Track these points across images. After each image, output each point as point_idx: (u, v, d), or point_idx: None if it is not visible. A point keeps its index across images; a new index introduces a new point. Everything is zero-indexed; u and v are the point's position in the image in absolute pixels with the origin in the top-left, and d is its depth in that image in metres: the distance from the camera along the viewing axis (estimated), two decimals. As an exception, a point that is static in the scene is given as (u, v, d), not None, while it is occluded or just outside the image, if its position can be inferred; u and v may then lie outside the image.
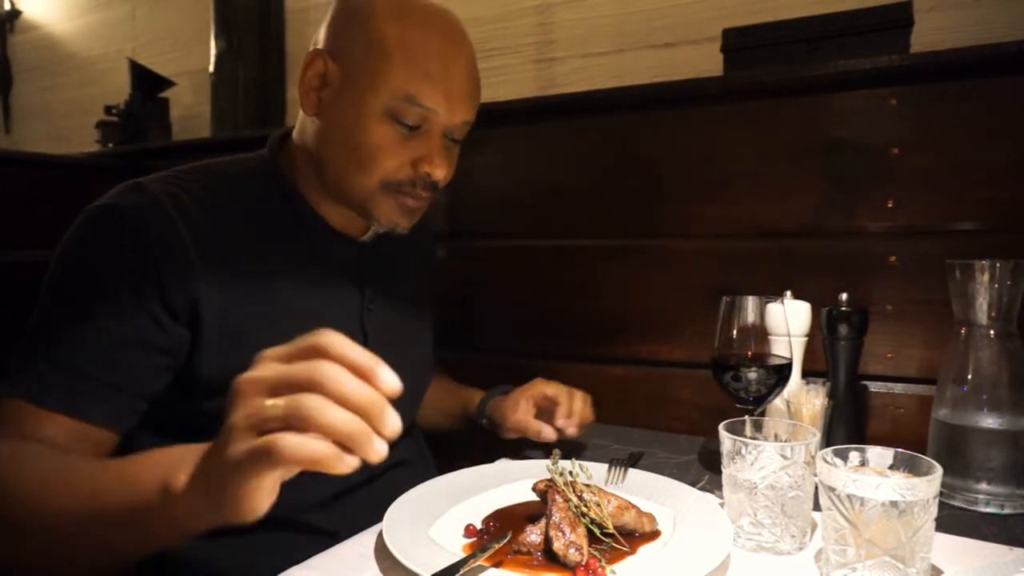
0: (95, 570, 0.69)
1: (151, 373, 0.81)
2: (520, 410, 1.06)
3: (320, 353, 0.52)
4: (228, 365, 0.77)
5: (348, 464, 0.50)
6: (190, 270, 0.80)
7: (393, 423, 0.51)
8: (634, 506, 0.80)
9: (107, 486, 0.64)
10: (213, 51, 2.39)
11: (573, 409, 1.05)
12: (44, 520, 0.66)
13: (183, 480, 0.57)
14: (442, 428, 1.25)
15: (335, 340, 0.53)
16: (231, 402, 0.53)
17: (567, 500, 0.76)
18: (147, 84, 2.49)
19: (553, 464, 0.82)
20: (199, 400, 0.84)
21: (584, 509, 0.76)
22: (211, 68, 2.40)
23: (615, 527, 0.76)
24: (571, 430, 1.03)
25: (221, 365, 0.81)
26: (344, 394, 0.50)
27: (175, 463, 0.59)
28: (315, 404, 0.49)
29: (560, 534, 0.71)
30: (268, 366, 0.53)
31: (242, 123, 2.36)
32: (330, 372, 0.50)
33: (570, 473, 0.81)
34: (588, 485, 0.80)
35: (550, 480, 0.81)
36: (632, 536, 0.78)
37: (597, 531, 0.75)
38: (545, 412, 1.08)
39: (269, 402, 0.50)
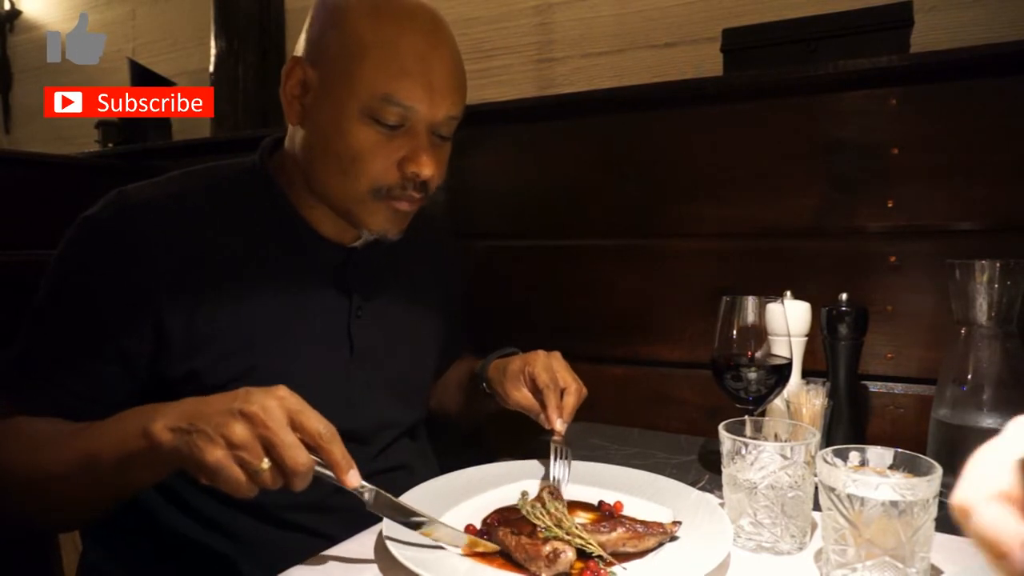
0: (89, 512, 0.83)
1: (113, 382, 0.85)
2: (521, 389, 0.98)
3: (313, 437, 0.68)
4: (193, 367, 0.85)
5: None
6: (155, 287, 0.83)
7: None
8: (637, 534, 0.75)
9: (96, 437, 0.74)
10: (213, 51, 2.39)
11: (564, 404, 0.96)
12: (38, 475, 0.76)
13: (159, 426, 0.67)
14: (461, 408, 1.18)
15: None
16: (238, 400, 0.66)
17: (516, 536, 0.72)
18: (147, 84, 2.48)
19: (524, 503, 0.80)
20: (171, 397, 0.85)
21: (564, 534, 0.73)
22: (211, 68, 2.40)
23: (615, 551, 0.73)
24: (556, 423, 0.93)
25: (186, 368, 0.85)
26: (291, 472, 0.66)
27: (154, 413, 0.69)
28: (274, 484, 0.66)
29: (538, 564, 0.69)
30: (278, 418, 0.66)
31: (242, 123, 2.36)
32: (300, 473, 0.66)
33: (541, 503, 0.78)
34: (552, 514, 0.76)
35: (537, 495, 0.80)
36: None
37: (576, 541, 0.72)
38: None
39: (250, 453, 0.64)
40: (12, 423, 0.81)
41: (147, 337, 0.83)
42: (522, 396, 0.98)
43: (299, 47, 0.90)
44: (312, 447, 0.68)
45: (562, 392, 0.96)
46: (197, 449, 0.64)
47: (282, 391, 0.68)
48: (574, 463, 0.99)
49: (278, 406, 0.66)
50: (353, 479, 0.70)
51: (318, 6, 0.89)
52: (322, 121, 0.87)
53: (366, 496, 0.73)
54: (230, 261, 0.88)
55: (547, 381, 0.95)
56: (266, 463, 0.65)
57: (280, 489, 0.67)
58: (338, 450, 0.69)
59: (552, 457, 0.93)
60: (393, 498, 0.76)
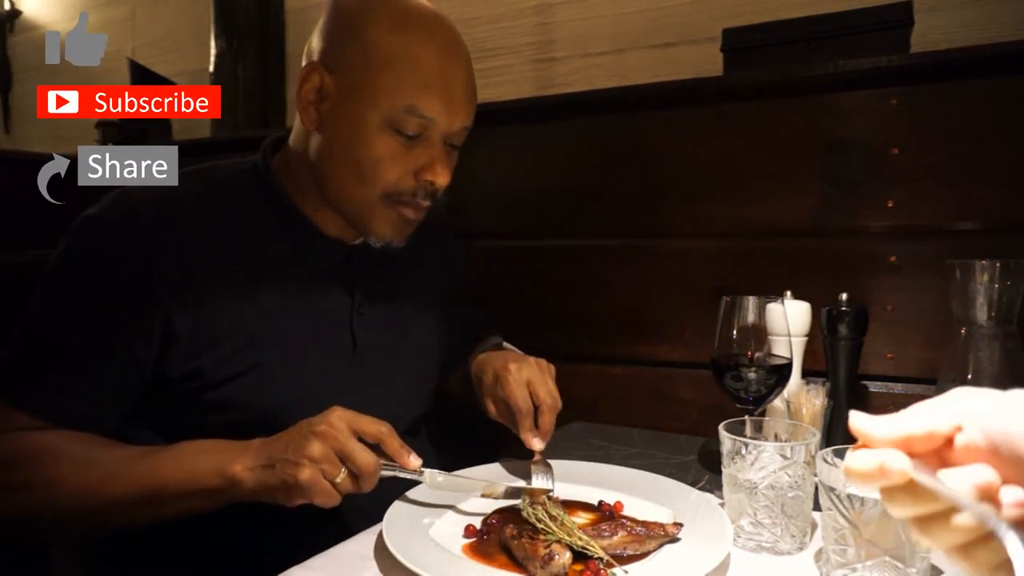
0: (136, 527, 0.84)
1: (119, 384, 0.85)
2: (498, 405, 0.99)
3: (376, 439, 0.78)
4: (197, 365, 0.85)
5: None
6: (164, 285, 0.83)
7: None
8: (638, 536, 0.75)
9: (159, 468, 0.79)
10: (213, 51, 2.39)
11: (541, 424, 0.94)
12: (91, 497, 0.79)
13: (239, 468, 0.75)
14: (466, 398, 1.16)
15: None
16: (303, 427, 0.75)
17: (518, 535, 0.73)
18: (147, 84, 2.49)
19: (526, 504, 0.79)
20: (173, 394, 0.87)
21: (566, 536, 0.72)
22: (211, 68, 2.40)
23: (614, 553, 0.73)
24: (534, 444, 0.94)
25: (190, 366, 0.85)
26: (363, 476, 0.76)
27: (227, 455, 0.77)
28: (351, 489, 0.75)
29: (535, 564, 0.69)
30: (343, 430, 0.75)
31: (242, 123, 2.36)
32: (371, 472, 0.76)
33: (543, 505, 0.78)
34: (553, 516, 0.76)
35: (531, 501, 0.80)
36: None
37: (577, 544, 0.72)
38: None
39: (331, 464, 0.73)
40: (47, 440, 0.81)
41: (156, 337, 0.83)
42: (498, 413, 1.00)
43: (312, 51, 0.89)
44: (372, 446, 0.77)
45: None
46: (288, 475, 0.73)
47: (337, 409, 0.77)
48: (574, 463, 1.00)
49: (339, 419, 0.76)
50: (414, 462, 0.80)
51: (334, 12, 0.89)
52: (341, 128, 0.87)
53: (426, 477, 0.82)
54: (233, 259, 0.88)
55: (520, 404, 0.94)
56: (343, 472, 0.74)
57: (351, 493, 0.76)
58: (396, 442, 0.79)
59: (534, 479, 0.92)
60: (449, 474, 0.86)
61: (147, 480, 0.79)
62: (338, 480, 0.73)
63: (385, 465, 0.78)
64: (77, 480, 0.79)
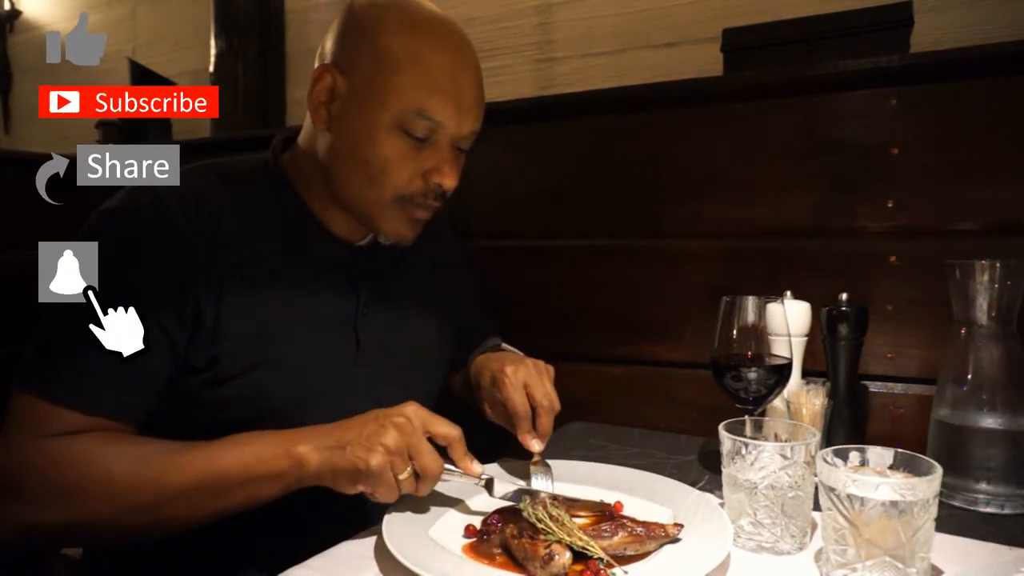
0: (195, 523, 0.80)
1: (156, 370, 0.83)
2: (495, 407, 1.00)
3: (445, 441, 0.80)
4: (215, 354, 0.85)
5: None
6: (192, 272, 0.83)
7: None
8: (638, 537, 0.75)
9: (217, 457, 0.77)
10: (213, 51, 2.39)
11: (539, 425, 0.95)
12: (149, 492, 0.77)
13: (306, 448, 0.76)
14: (469, 399, 1.16)
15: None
16: (379, 416, 0.77)
17: (518, 534, 0.73)
18: (147, 84, 2.48)
19: (526, 504, 0.79)
20: (187, 387, 0.86)
21: (566, 536, 0.72)
22: (211, 68, 2.40)
23: (614, 553, 0.72)
24: (533, 446, 0.94)
25: (210, 354, 0.85)
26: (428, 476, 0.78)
27: (295, 436, 0.77)
28: (412, 488, 0.77)
29: (535, 564, 0.69)
30: (419, 427, 0.77)
31: (242, 123, 2.36)
32: (434, 476, 0.78)
33: (543, 506, 0.77)
34: (554, 516, 0.75)
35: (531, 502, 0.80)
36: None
37: (578, 544, 0.72)
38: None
39: (401, 458, 0.75)
40: (93, 439, 0.79)
41: (187, 322, 0.83)
42: (496, 416, 1.01)
43: (325, 53, 0.91)
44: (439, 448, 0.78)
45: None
46: (359, 459, 0.73)
47: (412, 404, 0.79)
48: (574, 463, 1.00)
49: (415, 415, 0.78)
50: (478, 469, 0.83)
51: (349, 16, 0.90)
52: (351, 129, 0.88)
53: (484, 483, 0.84)
54: (247, 253, 0.88)
55: (517, 407, 0.94)
56: (409, 469, 0.75)
57: (398, 495, 0.77)
58: (463, 447, 0.82)
59: (534, 480, 0.93)
60: (511, 483, 0.87)
61: (206, 469, 0.77)
62: (402, 477, 0.75)
63: (446, 470, 0.79)
64: (133, 475, 0.77)
